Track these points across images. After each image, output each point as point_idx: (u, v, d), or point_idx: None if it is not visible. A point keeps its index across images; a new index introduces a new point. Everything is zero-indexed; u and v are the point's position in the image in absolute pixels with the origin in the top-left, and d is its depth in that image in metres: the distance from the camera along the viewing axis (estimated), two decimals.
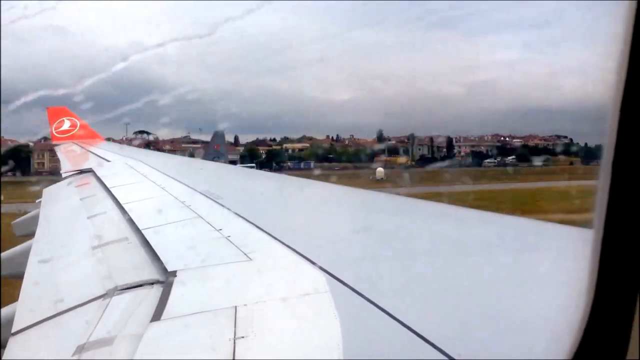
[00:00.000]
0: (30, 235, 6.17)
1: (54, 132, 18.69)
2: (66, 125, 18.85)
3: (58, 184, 10.11)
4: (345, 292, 2.58)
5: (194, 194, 6.06)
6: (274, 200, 6.40)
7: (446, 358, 1.86)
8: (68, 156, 14.42)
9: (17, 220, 8.23)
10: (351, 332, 2.18)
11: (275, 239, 3.69)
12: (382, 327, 2.19)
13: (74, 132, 18.66)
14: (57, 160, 14.30)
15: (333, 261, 3.08)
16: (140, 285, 3.11)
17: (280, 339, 2.27)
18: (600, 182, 1.34)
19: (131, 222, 4.86)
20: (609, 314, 1.39)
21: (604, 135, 1.32)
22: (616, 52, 1.28)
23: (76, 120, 18.97)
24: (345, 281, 2.70)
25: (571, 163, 72.14)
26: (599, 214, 1.34)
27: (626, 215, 1.33)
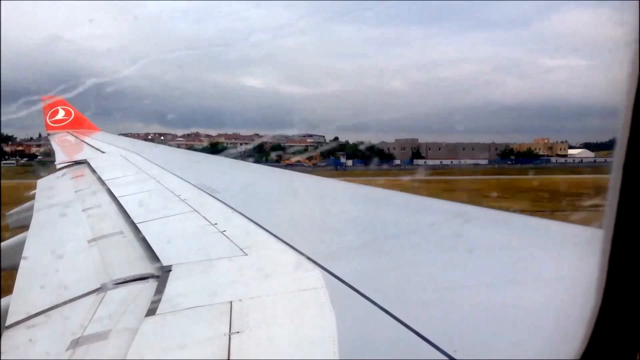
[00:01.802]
0: (25, 227, 6.15)
1: (48, 121, 18.55)
2: (60, 114, 18.72)
3: (52, 175, 10.06)
4: (341, 287, 2.59)
5: (190, 188, 6.05)
6: (269, 195, 6.39)
7: (445, 357, 1.87)
8: (62, 146, 14.32)
9: (11, 212, 8.19)
10: (346, 327, 2.18)
11: (271, 233, 3.69)
12: (378, 323, 2.20)
13: (68, 121, 18.55)
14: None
15: (329, 256, 3.09)
16: (136, 280, 3.11)
17: (276, 334, 2.28)
18: (611, 181, 1.34)
19: (126, 215, 4.85)
20: (619, 314, 1.39)
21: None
22: (624, 53, 1.28)
23: (71, 109, 18.84)
24: (341, 277, 2.71)
25: None
26: (609, 213, 1.34)
27: (636, 214, 1.33)
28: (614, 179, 1.33)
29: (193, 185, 6.17)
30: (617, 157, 1.32)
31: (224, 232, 3.87)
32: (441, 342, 1.95)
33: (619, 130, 1.31)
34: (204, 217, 4.43)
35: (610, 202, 1.34)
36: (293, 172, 8.52)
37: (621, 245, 1.34)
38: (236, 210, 4.53)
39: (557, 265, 2.78)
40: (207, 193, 5.51)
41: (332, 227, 4.26)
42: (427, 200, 5.41)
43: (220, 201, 5.02)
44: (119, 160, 9.86)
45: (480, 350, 1.97)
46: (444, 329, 2.14)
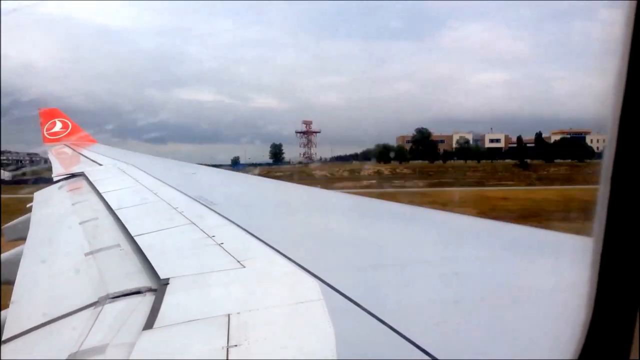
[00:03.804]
0: (21, 239, 6.13)
1: (45, 134, 18.58)
2: (57, 126, 18.75)
3: (49, 187, 10.05)
4: (339, 300, 2.60)
5: (187, 200, 6.05)
6: (267, 206, 6.39)
7: None
8: (59, 159, 14.32)
9: (8, 224, 8.17)
10: (345, 340, 2.19)
11: (269, 246, 3.69)
12: (377, 335, 2.20)
13: (65, 133, 18.57)
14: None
15: (327, 269, 3.09)
16: (133, 293, 3.11)
17: (274, 347, 2.27)
18: (601, 186, 1.34)
19: (123, 228, 4.85)
20: (612, 316, 1.40)
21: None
22: (615, 55, 1.28)
23: (68, 122, 18.88)
24: (339, 289, 2.72)
25: None
26: (599, 215, 1.35)
27: (628, 216, 1.34)
28: (603, 187, 1.34)
29: (190, 197, 6.18)
30: (606, 164, 1.33)
31: (221, 245, 3.87)
32: (441, 352, 1.97)
33: (608, 137, 1.32)
34: (202, 230, 4.43)
35: (601, 202, 1.35)
36: (291, 183, 8.53)
37: (613, 246, 1.35)
38: (234, 223, 4.53)
39: (550, 271, 2.82)
40: (204, 205, 5.51)
41: (330, 238, 4.27)
42: (426, 212, 5.43)
43: (218, 213, 5.02)
44: (116, 173, 9.87)
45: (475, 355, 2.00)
46: (444, 339, 2.15)
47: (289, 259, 3.32)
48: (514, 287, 2.75)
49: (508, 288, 2.76)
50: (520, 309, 2.44)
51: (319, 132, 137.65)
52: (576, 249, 2.92)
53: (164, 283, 3.10)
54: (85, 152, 14.68)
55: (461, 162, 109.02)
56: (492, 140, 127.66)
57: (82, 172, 10.33)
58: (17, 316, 3.25)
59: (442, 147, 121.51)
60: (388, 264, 3.37)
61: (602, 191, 1.34)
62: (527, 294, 2.62)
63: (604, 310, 1.39)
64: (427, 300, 2.67)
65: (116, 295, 3.12)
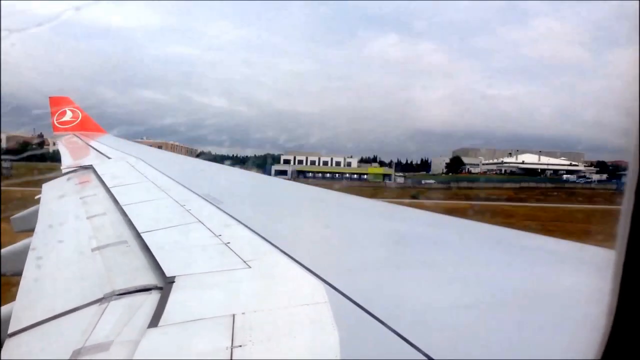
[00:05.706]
0: (29, 231, 6.17)
1: (55, 122, 18.48)
2: (68, 115, 18.68)
3: (58, 179, 10.10)
4: (344, 302, 2.60)
5: (195, 198, 6.05)
6: (274, 206, 6.39)
7: None
8: (69, 149, 14.36)
9: (16, 215, 8.23)
10: (349, 343, 2.18)
11: (275, 247, 3.69)
12: (382, 339, 2.20)
13: (75, 123, 18.50)
14: None
15: (333, 271, 3.09)
16: (139, 291, 3.12)
17: (278, 348, 2.27)
18: (625, 196, 1.32)
19: (130, 224, 4.86)
20: (633, 316, 1.39)
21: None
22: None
23: (78, 111, 18.83)
24: (345, 292, 2.72)
25: None
26: (623, 223, 1.33)
27: None
28: (627, 197, 1.31)
29: (198, 195, 6.18)
30: (630, 176, 1.30)
31: (228, 244, 3.88)
32: (449, 354, 1.97)
33: (631, 148, 1.28)
34: (209, 228, 4.43)
35: (626, 203, 1.31)
36: (299, 183, 8.54)
37: (636, 251, 1.32)
38: (241, 222, 4.54)
39: (573, 276, 2.83)
40: (212, 204, 5.51)
41: (337, 241, 4.26)
42: (436, 216, 5.40)
43: (225, 212, 5.02)
44: (125, 167, 9.88)
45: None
46: (452, 342, 2.15)
47: (295, 260, 3.32)
48: (535, 292, 2.76)
49: (526, 292, 2.77)
50: (543, 311, 2.45)
51: None
52: (597, 260, 2.94)
53: (170, 281, 3.11)
54: (94, 143, 14.71)
55: None
56: None
57: (91, 165, 10.38)
58: (23, 310, 3.27)
59: None
60: (395, 267, 3.36)
61: (626, 201, 1.32)
62: (549, 298, 2.64)
63: (626, 311, 1.38)
64: (435, 304, 2.66)
65: (122, 292, 3.13)
